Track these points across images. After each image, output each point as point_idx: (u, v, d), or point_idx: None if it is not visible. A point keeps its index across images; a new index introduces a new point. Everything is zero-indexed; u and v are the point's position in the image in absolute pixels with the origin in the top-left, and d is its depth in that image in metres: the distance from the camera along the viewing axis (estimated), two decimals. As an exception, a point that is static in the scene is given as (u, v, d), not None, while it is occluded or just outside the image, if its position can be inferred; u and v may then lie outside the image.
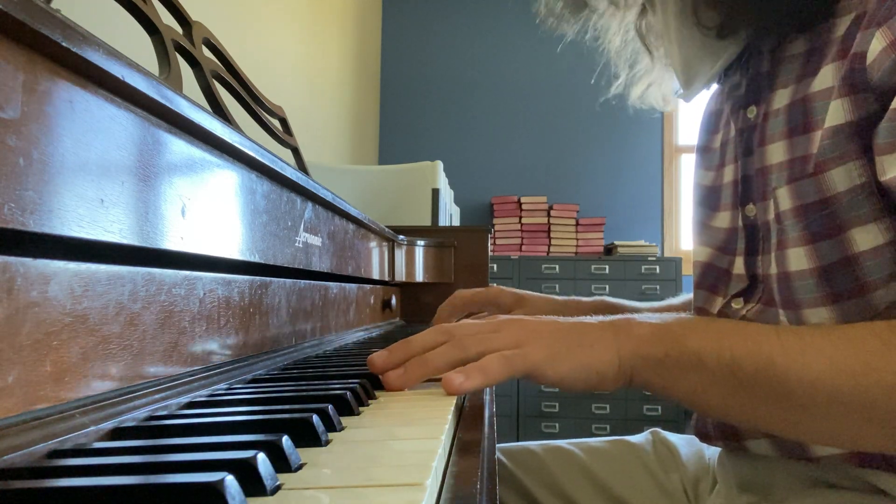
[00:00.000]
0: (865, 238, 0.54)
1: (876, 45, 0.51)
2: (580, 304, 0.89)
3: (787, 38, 0.63)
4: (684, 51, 0.70)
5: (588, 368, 0.53)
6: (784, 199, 0.59)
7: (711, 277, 0.71)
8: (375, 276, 1.18)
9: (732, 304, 0.67)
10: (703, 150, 0.76)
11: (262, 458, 0.29)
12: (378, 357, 0.57)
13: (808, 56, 0.60)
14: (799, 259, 0.57)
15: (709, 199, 0.73)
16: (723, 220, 0.70)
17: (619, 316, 0.58)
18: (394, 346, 0.57)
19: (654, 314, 0.59)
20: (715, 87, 0.76)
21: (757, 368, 0.50)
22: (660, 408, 3.09)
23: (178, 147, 0.47)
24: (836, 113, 0.54)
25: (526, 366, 0.53)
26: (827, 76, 0.57)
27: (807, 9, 0.59)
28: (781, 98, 0.62)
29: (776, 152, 0.61)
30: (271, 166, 0.63)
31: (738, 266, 0.67)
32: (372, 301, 1.20)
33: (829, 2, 0.59)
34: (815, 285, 0.57)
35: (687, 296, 0.89)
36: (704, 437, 0.70)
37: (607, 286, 3.22)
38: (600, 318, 0.58)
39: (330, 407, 0.41)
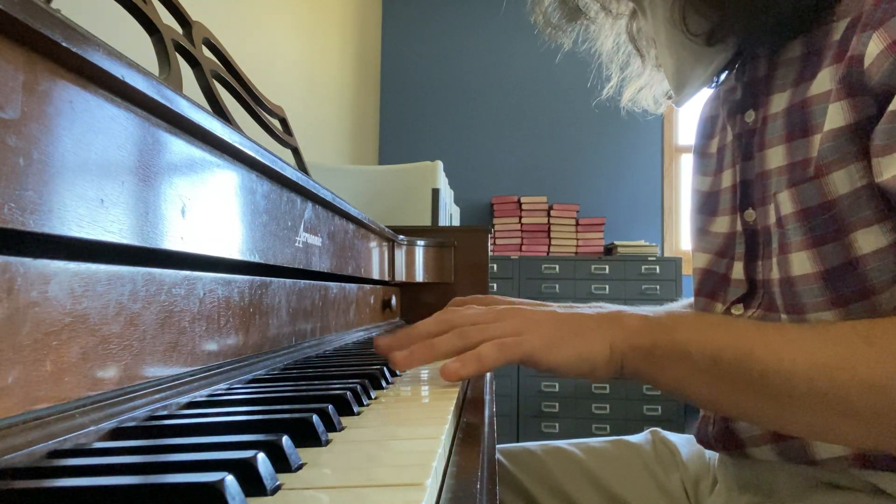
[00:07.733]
0: (868, 240, 0.53)
1: (873, 48, 0.51)
2: None
3: (783, 42, 0.63)
4: (675, 56, 0.69)
5: (581, 358, 0.54)
6: (785, 203, 0.58)
7: (710, 284, 0.70)
8: (375, 276, 1.18)
9: (732, 311, 0.67)
10: (700, 155, 0.76)
11: (262, 458, 0.29)
12: (382, 339, 0.60)
13: (805, 60, 0.60)
14: (802, 263, 0.57)
15: (707, 205, 0.73)
16: (721, 224, 0.70)
17: (613, 308, 0.59)
18: (399, 332, 0.60)
19: (647, 308, 0.60)
20: (709, 92, 0.76)
21: (737, 359, 0.50)
22: (660, 408, 3.09)
23: (178, 147, 0.47)
24: (836, 116, 0.54)
25: (521, 353, 0.54)
26: (825, 79, 0.56)
27: (798, 16, 0.59)
28: (779, 102, 0.61)
29: (775, 156, 0.61)
30: (271, 166, 0.63)
31: (738, 271, 0.66)
32: (372, 301, 1.20)
33: (821, 8, 0.58)
34: (819, 289, 0.56)
35: (688, 300, 0.89)
36: (706, 445, 0.70)
37: (607, 286, 3.22)
38: (596, 309, 0.59)
39: (330, 407, 0.41)
